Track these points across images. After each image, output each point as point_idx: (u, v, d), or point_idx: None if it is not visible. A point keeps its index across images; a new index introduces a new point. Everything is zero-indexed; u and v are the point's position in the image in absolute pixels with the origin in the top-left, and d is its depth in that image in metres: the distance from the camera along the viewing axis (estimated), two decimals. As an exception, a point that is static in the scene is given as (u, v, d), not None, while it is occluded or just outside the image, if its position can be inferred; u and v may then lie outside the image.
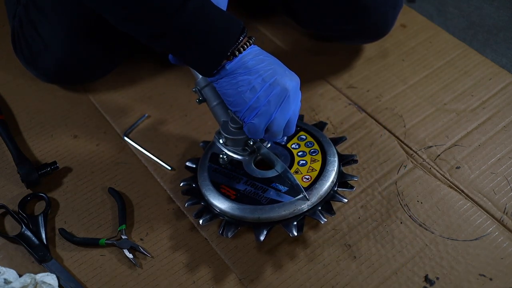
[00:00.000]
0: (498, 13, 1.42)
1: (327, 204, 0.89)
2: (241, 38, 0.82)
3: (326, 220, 0.87)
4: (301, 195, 0.88)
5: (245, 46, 0.83)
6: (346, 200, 0.90)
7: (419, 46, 1.25)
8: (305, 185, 0.89)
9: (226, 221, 0.89)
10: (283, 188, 0.89)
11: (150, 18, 0.81)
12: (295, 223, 0.87)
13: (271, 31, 1.30)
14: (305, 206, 0.87)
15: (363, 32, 1.15)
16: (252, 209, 0.88)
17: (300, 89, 0.86)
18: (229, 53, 0.82)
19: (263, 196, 0.89)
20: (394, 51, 1.24)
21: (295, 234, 0.86)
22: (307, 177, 0.90)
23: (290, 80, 0.83)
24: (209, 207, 0.91)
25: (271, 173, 0.92)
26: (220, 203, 0.90)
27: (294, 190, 0.89)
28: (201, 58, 0.83)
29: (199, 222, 0.90)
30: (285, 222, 0.87)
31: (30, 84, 1.19)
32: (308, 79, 1.19)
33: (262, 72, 0.82)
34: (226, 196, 0.90)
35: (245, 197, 0.90)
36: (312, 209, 0.88)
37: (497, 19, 1.41)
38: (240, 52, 0.82)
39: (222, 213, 0.90)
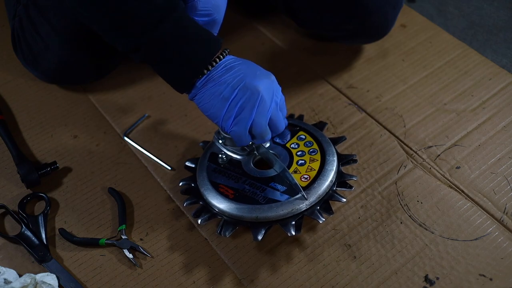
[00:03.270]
0: (498, 13, 1.42)
1: (325, 203, 0.89)
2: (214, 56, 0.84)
3: (324, 219, 0.87)
4: (299, 195, 0.88)
5: (214, 63, 0.84)
6: (345, 200, 0.90)
7: (419, 46, 1.25)
8: (304, 184, 0.89)
9: (225, 221, 0.89)
10: (282, 188, 0.89)
11: (128, 31, 0.83)
12: (293, 222, 0.87)
13: (271, 31, 1.30)
14: (303, 205, 0.87)
15: (363, 32, 1.15)
16: (250, 209, 0.88)
17: (278, 83, 0.87)
18: (200, 72, 0.84)
19: (261, 195, 0.89)
20: (394, 51, 1.24)
21: (293, 233, 0.86)
22: (305, 176, 0.90)
23: (260, 80, 0.84)
24: (207, 206, 0.91)
25: (269, 173, 0.92)
26: (219, 203, 0.90)
27: (293, 189, 0.89)
28: (173, 75, 0.86)
29: (198, 222, 0.90)
30: (283, 221, 0.87)
31: (30, 84, 1.19)
32: (308, 79, 1.19)
33: (230, 80, 0.83)
34: (224, 195, 0.90)
35: (243, 196, 0.90)
36: (311, 209, 0.88)
37: (497, 19, 1.41)
38: (208, 70, 0.84)
39: (221, 212, 0.90)
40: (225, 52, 0.86)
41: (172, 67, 0.85)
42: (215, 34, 0.93)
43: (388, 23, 1.13)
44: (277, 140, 0.97)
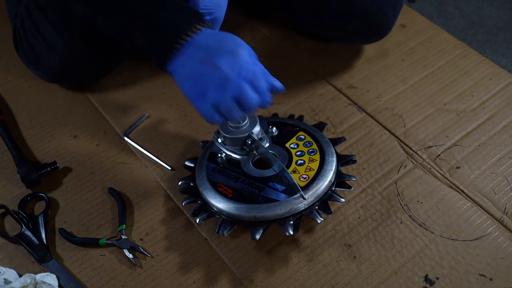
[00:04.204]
0: (498, 13, 1.42)
1: (324, 203, 0.89)
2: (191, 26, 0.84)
3: (322, 219, 0.87)
4: (298, 195, 0.88)
5: (186, 36, 0.83)
6: (343, 200, 0.90)
7: (419, 46, 1.25)
8: (302, 184, 0.89)
9: (223, 220, 0.89)
10: (280, 187, 0.89)
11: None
12: (291, 222, 0.87)
13: (271, 31, 1.30)
14: (301, 205, 0.87)
15: (363, 33, 1.15)
16: (248, 208, 0.88)
17: (251, 55, 0.84)
18: (176, 43, 0.83)
19: (260, 195, 0.89)
20: (394, 51, 1.24)
21: (291, 233, 0.86)
22: (304, 176, 0.90)
23: (222, 58, 0.81)
24: (206, 205, 0.91)
25: (268, 173, 0.92)
26: (217, 202, 0.90)
27: (291, 189, 0.88)
28: (152, 46, 0.85)
29: (197, 221, 0.90)
30: (281, 221, 0.87)
31: (30, 84, 1.19)
32: (308, 79, 1.19)
33: (201, 58, 0.82)
34: (223, 194, 0.90)
35: (242, 196, 0.90)
36: (309, 208, 0.88)
37: (497, 19, 1.41)
38: (180, 44, 0.83)
39: (219, 211, 0.90)
40: (199, 25, 0.84)
41: (151, 38, 0.85)
42: None
43: (389, 24, 1.13)
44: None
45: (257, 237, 0.87)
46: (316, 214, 0.88)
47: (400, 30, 1.28)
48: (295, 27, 1.28)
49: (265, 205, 0.87)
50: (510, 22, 1.40)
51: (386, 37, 1.20)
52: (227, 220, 0.89)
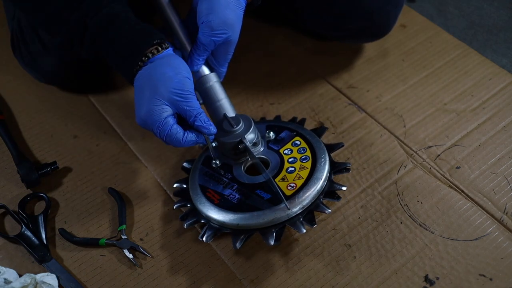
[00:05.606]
0: (498, 13, 1.42)
1: (310, 214, 0.87)
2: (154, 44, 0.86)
3: (305, 231, 0.85)
4: (282, 204, 0.85)
5: (150, 55, 0.86)
6: (329, 211, 0.87)
7: (419, 46, 1.25)
8: (289, 193, 0.87)
9: (208, 226, 0.89)
10: (267, 196, 0.87)
11: (67, 18, 0.87)
12: (274, 232, 0.85)
13: (272, 31, 1.30)
14: (284, 215, 0.85)
15: (365, 31, 1.15)
16: (232, 216, 0.87)
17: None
18: (140, 60, 0.86)
19: (245, 202, 0.88)
20: (394, 51, 1.24)
21: (272, 243, 0.84)
22: (292, 185, 0.88)
23: (157, 88, 0.84)
24: (194, 210, 0.91)
25: (258, 179, 0.90)
26: (203, 207, 0.89)
27: (277, 198, 0.86)
28: (119, 62, 0.87)
29: (184, 226, 0.90)
30: (264, 230, 0.86)
31: (30, 84, 1.19)
32: (308, 79, 1.19)
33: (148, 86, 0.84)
34: (210, 200, 0.89)
35: (227, 202, 0.88)
36: (293, 219, 0.85)
37: (497, 19, 1.41)
38: (143, 62, 0.86)
39: (205, 217, 0.89)
40: (160, 47, 0.87)
41: (117, 54, 0.87)
42: (231, 54, 0.94)
43: (390, 22, 1.13)
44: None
45: (238, 246, 0.85)
46: (299, 225, 0.85)
47: (400, 30, 1.28)
48: (296, 26, 1.28)
49: (249, 213, 0.86)
50: (510, 22, 1.40)
51: (386, 37, 1.20)
52: (212, 226, 0.88)
